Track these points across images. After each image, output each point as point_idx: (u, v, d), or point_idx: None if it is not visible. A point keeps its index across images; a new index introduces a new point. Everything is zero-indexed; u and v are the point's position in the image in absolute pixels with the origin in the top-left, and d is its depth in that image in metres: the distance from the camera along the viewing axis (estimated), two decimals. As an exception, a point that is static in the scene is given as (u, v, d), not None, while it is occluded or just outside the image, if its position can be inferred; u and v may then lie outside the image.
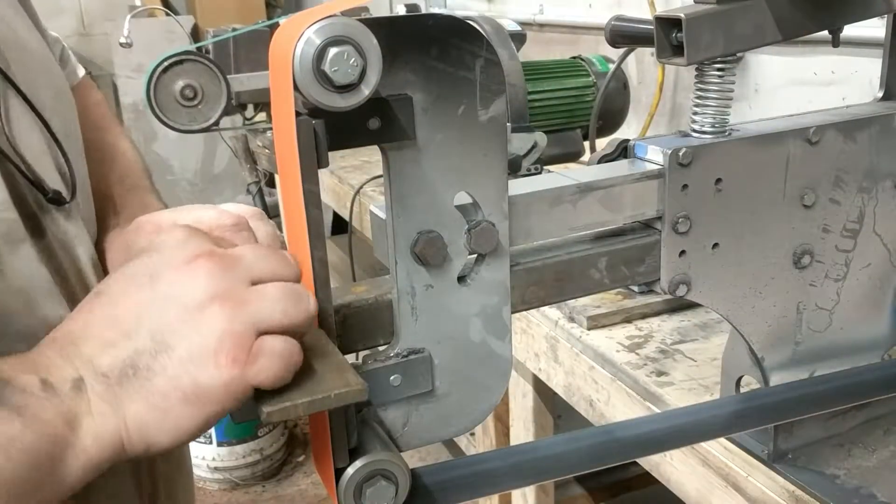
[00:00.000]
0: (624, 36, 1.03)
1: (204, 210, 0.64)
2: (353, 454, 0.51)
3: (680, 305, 1.10)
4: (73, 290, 0.67)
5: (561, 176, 0.62)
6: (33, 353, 0.49)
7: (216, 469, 2.71)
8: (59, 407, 0.46)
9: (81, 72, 0.94)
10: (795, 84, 1.52)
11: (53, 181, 0.68)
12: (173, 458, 0.84)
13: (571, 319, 1.08)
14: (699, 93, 0.67)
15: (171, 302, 0.48)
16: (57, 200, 0.67)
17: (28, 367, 0.47)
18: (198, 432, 0.49)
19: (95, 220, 0.78)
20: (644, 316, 1.09)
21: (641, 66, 1.94)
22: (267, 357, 0.46)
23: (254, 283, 0.49)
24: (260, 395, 0.47)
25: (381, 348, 0.56)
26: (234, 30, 2.44)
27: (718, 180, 0.65)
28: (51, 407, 0.46)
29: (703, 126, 0.66)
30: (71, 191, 0.70)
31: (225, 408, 0.47)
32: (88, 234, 0.73)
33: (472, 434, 1.86)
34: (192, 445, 2.68)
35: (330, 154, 0.48)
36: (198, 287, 0.48)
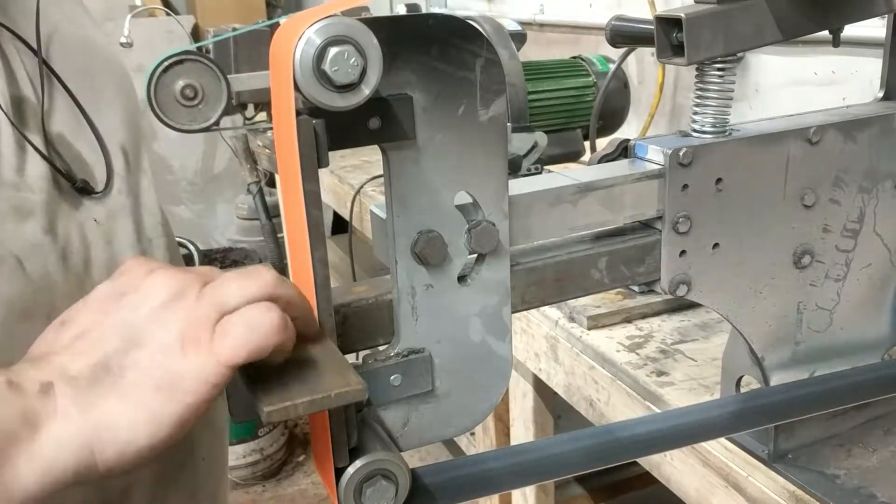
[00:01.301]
0: (624, 36, 1.03)
1: None
2: (354, 454, 0.51)
3: (680, 305, 1.10)
4: (73, 261, 0.67)
5: (561, 176, 0.62)
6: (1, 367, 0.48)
7: (216, 469, 2.71)
8: (21, 406, 0.45)
9: None
10: (796, 84, 1.52)
11: (89, 172, 0.70)
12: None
13: (572, 319, 1.08)
14: (699, 93, 0.67)
15: (137, 307, 0.49)
16: (86, 190, 0.69)
17: None
18: (177, 426, 0.47)
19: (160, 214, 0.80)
20: (644, 316, 1.09)
21: (642, 65, 1.94)
22: (231, 330, 0.47)
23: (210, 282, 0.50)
24: (260, 394, 0.47)
25: (381, 348, 0.56)
26: (234, 29, 2.44)
27: (719, 180, 0.65)
28: (12, 405, 0.44)
29: (703, 126, 0.66)
30: (106, 183, 0.72)
31: (200, 396, 0.47)
32: (130, 226, 0.74)
33: (472, 434, 1.86)
34: (193, 445, 2.69)
35: (330, 154, 0.48)
36: (160, 290, 0.49)
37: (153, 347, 0.47)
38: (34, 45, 0.67)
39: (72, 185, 0.68)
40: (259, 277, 0.49)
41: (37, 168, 0.65)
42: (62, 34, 0.72)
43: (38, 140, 0.66)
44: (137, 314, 0.48)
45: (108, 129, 0.74)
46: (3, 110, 0.63)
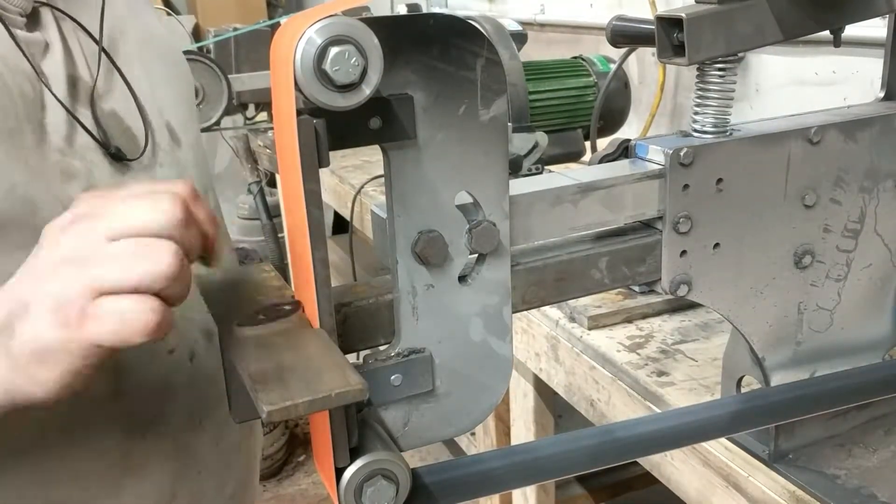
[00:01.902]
0: (625, 36, 1.03)
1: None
2: (354, 454, 0.51)
3: (681, 305, 1.10)
4: None
5: (562, 176, 0.62)
6: None
7: (217, 468, 2.71)
8: None
9: None
10: (796, 84, 1.52)
11: (136, 144, 0.76)
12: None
13: (572, 319, 1.08)
14: (700, 93, 0.67)
15: (39, 264, 0.52)
16: (118, 157, 0.74)
17: None
18: (64, 387, 0.52)
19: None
20: (645, 316, 1.09)
21: (642, 65, 1.94)
22: (103, 318, 0.49)
23: (113, 240, 0.51)
24: (260, 394, 0.47)
25: (381, 348, 0.56)
26: (235, 29, 2.44)
27: (719, 180, 0.65)
28: None
29: (704, 126, 0.66)
30: (142, 151, 0.77)
31: (75, 365, 0.51)
32: None
33: (473, 434, 1.86)
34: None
35: (331, 154, 0.48)
36: (57, 248, 0.51)
37: (34, 314, 0.51)
38: (96, 36, 0.75)
39: (106, 150, 0.73)
40: (150, 265, 0.50)
41: (83, 138, 0.71)
42: (122, 26, 0.80)
43: (87, 114, 0.73)
44: (34, 275, 0.52)
45: (157, 108, 0.81)
46: (50, 89, 0.69)
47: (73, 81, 0.73)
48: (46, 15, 0.73)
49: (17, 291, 0.52)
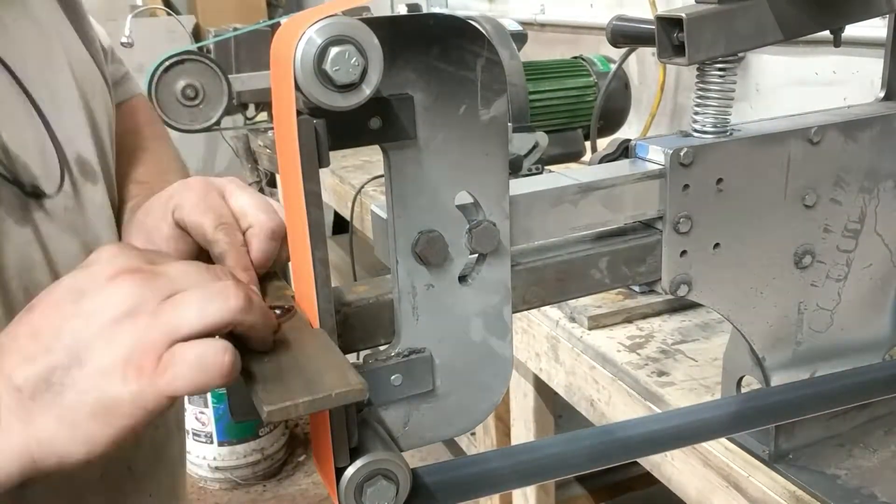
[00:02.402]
0: (625, 36, 1.03)
1: (189, 206, 0.65)
2: (354, 454, 0.51)
3: (681, 305, 1.10)
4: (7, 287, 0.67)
5: (562, 176, 0.62)
6: None
7: (217, 469, 2.71)
8: None
9: (137, 90, 0.96)
10: (797, 84, 1.52)
11: (41, 176, 0.69)
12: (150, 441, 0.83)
13: (572, 319, 1.08)
14: (700, 93, 0.67)
15: (90, 318, 0.48)
16: (35, 194, 0.68)
17: None
18: (112, 445, 0.48)
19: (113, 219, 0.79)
20: (645, 316, 1.09)
21: (643, 66, 1.94)
22: (178, 366, 0.46)
23: (171, 296, 0.49)
24: (260, 394, 0.47)
25: (381, 348, 0.56)
26: (235, 29, 2.44)
27: (720, 180, 0.65)
28: None
29: (704, 126, 0.66)
30: (59, 186, 0.71)
31: (137, 420, 0.47)
32: (69, 234, 0.73)
33: (473, 434, 1.86)
34: (193, 445, 2.69)
35: (331, 154, 0.48)
36: (115, 302, 0.48)
37: (94, 368, 0.47)
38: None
39: (20, 188, 0.67)
40: (225, 301, 0.48)
41: None
42: (25, 47, 0.72)
43: None
44: (88, 326, 0.48)
45: (66, 137, 0.73)
46: None
47: None
48: None
49: (51, 341, 0.48)
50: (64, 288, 0.51)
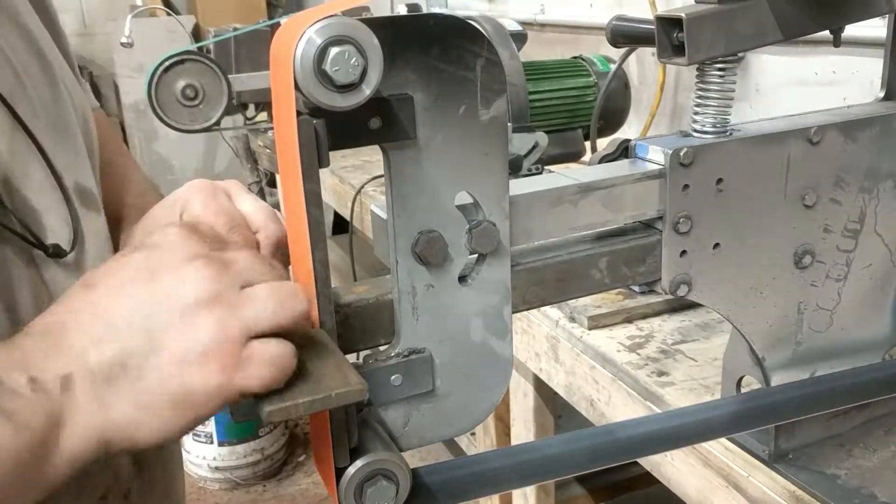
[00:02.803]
0: (625, 36, 1.03)
1: (200, 207, 0.65)
2: (354, 454, 0.51)
3: (681, 305, 1.10)
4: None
5: (562, 176, 0.62)
6: (23, 340, 0.48)
7: (217, 469, 2.71)
8: (47, 407, 0.46)
9: (95, 104, 0.93)
10: (796, 84, 1.52)
11: (57, 233, 0.67)
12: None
13: (572, 319, 1.08)
14: (700, 93, 0.67)
15: (167, 302, 0.47)
16: (57, 254, 0.66)
17: (16, 361, 0.47)
18: (184, 433, 0.49)
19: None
20: (645, 316, 1.09)
21: (642, 66, 1.93)
22: (256, 364, 0.46)
23: (244, 287, 0.49)
24: (261, 394, 0.47)
25: (381, 348, 0.56)
26: (235, 29, 2.44)
27: (719, 180, 0.65)
28: (40, 408, 0.46)
29: (704, 126, 0.66)
30: (73, 242, 0.68)
31: (212, 411, 0.48)
32: (74, 277, 0.70)
33: (473, 434, 1.86)
34: (193, 445, 2.69)
35: (331, 154, 0.48)
36: (194, 289, 0.47)
37: (175, 356, 0.47)
38: None
39: (43, 250, 0.64)
40: (298, 303, 0.49)
41: None
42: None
43: None
44: (167, 309, 0.47)
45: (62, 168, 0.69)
46: None
47: None
48: None
49: (122, 322, 0.47)
50: (133, 267, 0.49)
